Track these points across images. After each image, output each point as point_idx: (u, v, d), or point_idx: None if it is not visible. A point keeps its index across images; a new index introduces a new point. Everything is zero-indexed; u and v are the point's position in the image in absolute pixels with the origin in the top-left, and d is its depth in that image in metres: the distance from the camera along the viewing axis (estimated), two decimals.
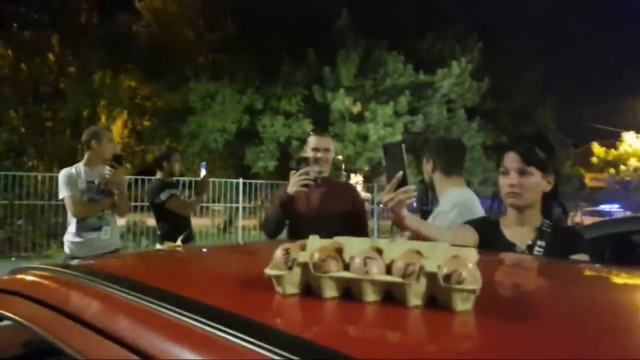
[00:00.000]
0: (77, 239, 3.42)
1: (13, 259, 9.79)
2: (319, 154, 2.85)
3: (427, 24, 17.14)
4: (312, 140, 2.90)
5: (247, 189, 12.30)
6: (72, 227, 3.46)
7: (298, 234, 2.55)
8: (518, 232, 1.78)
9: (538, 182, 1.72)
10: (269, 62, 15.37)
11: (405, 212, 1.54)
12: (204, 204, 12.21)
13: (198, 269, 1.19)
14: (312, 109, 15.24)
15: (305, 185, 2.63)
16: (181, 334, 0.60)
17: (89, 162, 3.53)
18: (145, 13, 17.02)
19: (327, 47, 15.30)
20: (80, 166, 3.53)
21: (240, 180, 12.22)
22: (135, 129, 18.02)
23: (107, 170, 3.42)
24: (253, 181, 12.46)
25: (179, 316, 0.63)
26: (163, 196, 3.95)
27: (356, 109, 14.63)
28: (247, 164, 15.33)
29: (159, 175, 4.17)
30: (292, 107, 15.01)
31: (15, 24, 15.47)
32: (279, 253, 0.76)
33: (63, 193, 3.43)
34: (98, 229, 3.46)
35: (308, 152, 2.86)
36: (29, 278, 1.00)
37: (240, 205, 12.25)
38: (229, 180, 12.33)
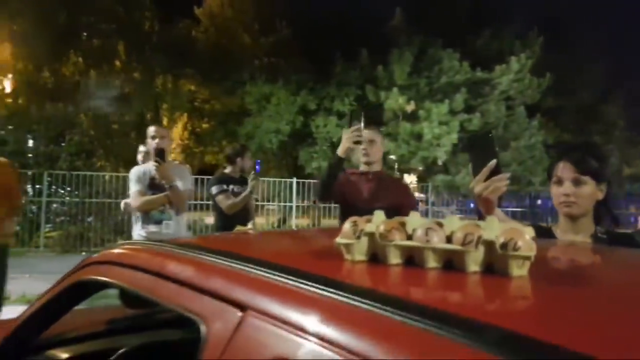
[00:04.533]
0: (142, 232, 3.62)
1: (83, 253, 10.45)
2: (363, 145, 2.87)
3: (484, 20, 16.71)
4: (365, 132, 2.91)
5: (300, 189, 12.52)
6: (138, 221, 3.67)
7: None
8: (572, 239, 1.78)
9: (592, 191, 1.72)
10: (322, 63, 15.53)
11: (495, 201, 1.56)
12: (258, 203, 12.52)
13: (270, 242, 1.32)
14: (365, 108, 15.24)
15: (357, 142, 2.65)
16: (261, 287, 0.71)
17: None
18: (204, 19, 17.66)
19: (380, 47, 15.27)
20: (149, 165, 3.76)
21: (294, 180, 12.44)
22: (195, 131, 18.72)
23: (152, 165, 3.56)
24: (306, 180, 12.65)
25: (257, 271, 0.74)
26: (214, 190, 4.10)
27: (410, 107, 14.50)
28: (300, 164, 15.58)
29: (228, 169, 4.28)
30: (345, 107, 15.10)
31: (85, 33, 16.50)
32: (347, 225, 0.83)
33: (131, 188, 3.67)
34: (159, 222, 3.63)
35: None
36: (122, 251, 1.14)
37: (294, 204, 12.47)
38: (283, 179, 12.60)
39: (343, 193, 2.86)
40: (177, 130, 18.03)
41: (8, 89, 14.77)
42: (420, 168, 15.61)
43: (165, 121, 17.29)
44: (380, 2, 17.19)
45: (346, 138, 2.68)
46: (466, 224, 0.78)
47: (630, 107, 19.95)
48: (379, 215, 0.84)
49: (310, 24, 16.09)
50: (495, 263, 0.73)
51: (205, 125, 18.31)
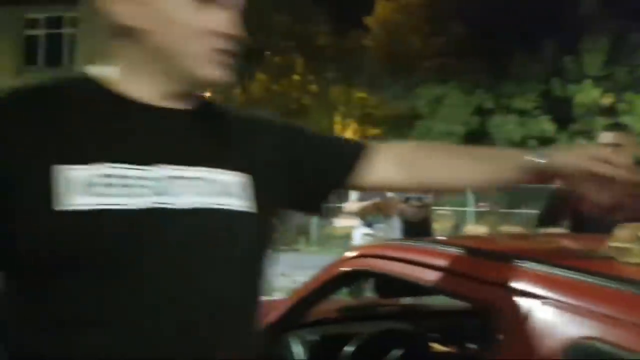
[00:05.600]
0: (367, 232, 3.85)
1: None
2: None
3: None
4: (604, 136, 2.56)
5: (477, 193, 11.88)
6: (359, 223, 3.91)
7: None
8: None
9: None
10: (499, 59, 14.69)
11: None
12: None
13: (527, 243, 1.37)
14: (551, 104, 13.96)
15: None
16: (549, 280, 0.79)
17: None
18: (374, 26, 18.05)
19: (567, 35, 13.86)
20: None
21: None
22: (366, 137, 19.20)
23: None
24: None
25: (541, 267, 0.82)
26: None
27: (607, 100, 12.84)
28: None
29: None
30: (527, 105, 14.01)
31: (267, 52, 18.14)
32: (623, 230, 0.85)
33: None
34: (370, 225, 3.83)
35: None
36: (383, 248, 1.35)
37: (470, 209, 11.89)
38: None
39: (575, 204, 2.54)
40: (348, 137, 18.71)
41: None
42: None
43: (338, 129, 18.06)
44: None
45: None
46: None
47: None
48: None
49: (485, 18, 15.30)
50: None
51: (375, 131, 18.64)
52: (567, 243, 1.49)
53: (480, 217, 12.50)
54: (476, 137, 14.97)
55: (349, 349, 1.52)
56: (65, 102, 0.65)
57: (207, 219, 0.64)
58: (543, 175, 0.78)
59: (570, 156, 0.75)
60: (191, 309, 0.60)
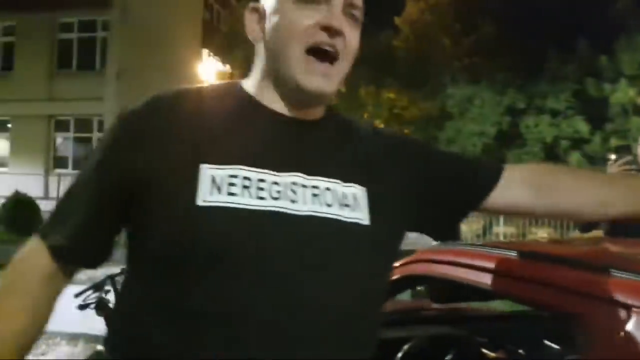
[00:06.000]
0: None
1: None
2: None
3: None
4: None
5: None
6: None
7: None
8: None
9: None
10: (532, 59, 14.46)
11: None
12: None
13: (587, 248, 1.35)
14: (585, 104, 13.66)
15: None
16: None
17: None
18: (404, 27, 17.96)
19: (602, 34, 13.57)
20: None
21: None
22: None
23: None
24: None
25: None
26: None
27: None
28: None
29: None
30: (560, 105, 13.74)
31: None
32: None
33: None
34: None
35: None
36: (442, 253, 1.30)
37: None
38: None
39: None
40: None
41: None
42: None
43: None
44: None
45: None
46: None
47: None
48: None
49: (517, 17, 15.12)
50: None
51: (404, 131, 18.55)
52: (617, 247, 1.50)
53: (507, 219, 12.29)
54: (508, 137, 14.77)
55: (402, 352, 1.52)
56: (214, 107, 0.71)
57: (320, 226, 0.66)
58: None
59: None
60: (314, 310, 0.63)
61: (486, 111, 14.49)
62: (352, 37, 0.71)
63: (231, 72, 17.13)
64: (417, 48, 17.09)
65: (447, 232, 0.85)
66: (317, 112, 0.74)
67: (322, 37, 0.67)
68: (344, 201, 0.69)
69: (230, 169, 0.65)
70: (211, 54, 17.84)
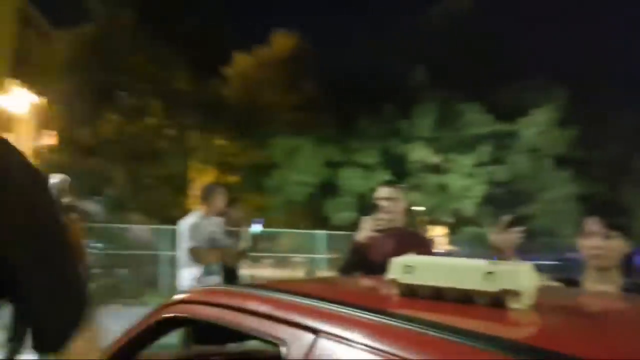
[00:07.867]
0: (196, 283, 3.67)
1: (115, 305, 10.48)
2: (386, 203, 2.96)
3: (507, 74, 16.97)
4: (381, 190, 2.99)
5: (330, 241, 12.31)
6: (190, 272, 3.72)
7: None
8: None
9: (621, 245, 1.83)
10: (347, 118, 15.92)
11: None
12: (284, 254, 12.56)
13: (322, 284, 1.50)
14: (390, 161, 15.43)
15: (378, 231, 2.76)
16: (329, 316, 0.87)
17: (207, 214, 3.88)
18: (233, 78, 18.43)
19: (404, 101, 15.62)
20: (199, 217, 3.85)
21: (324, 232, 12.32)
22: (225, 184, 19.06)
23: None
24: (336, 232, 12.49)
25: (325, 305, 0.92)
26: None
27: (435, 159, 14.61)
28: (326, 215, 15.65)
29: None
30: (370, 160, 15.30)
31: (122, 92, 17.36)
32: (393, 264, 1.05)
33: (188, 243, 3.72)
34: (215, 272, 3.80)
35: (377, 201, 2.97)
36: (204, 294, 1.35)
37: (324, 256, 12.22)
38: (310, 231, 12.58)
39: (365, 254, 2.89)
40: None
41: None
42: (449, 220, 15.48)
43: (195, 175, 17.75)
44: (403, 58, 17.68)
45: (366, 227, 2.79)
46: None
47: None
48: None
49: (335, 80, 16.66)
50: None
51: (234, 179, 18.69)
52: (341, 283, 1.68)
53: (332, 264, 12.98)
54: (327, 188, 15.86)
55: None
56: None
57: None
58: None
59: None
60: None
61: (308, 162, 15.43)
62: None
63: (48, 105, 15.57)
64: (246, 99, 17.63)
65: None
66: None
67: None
68: None
69: None
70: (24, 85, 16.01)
